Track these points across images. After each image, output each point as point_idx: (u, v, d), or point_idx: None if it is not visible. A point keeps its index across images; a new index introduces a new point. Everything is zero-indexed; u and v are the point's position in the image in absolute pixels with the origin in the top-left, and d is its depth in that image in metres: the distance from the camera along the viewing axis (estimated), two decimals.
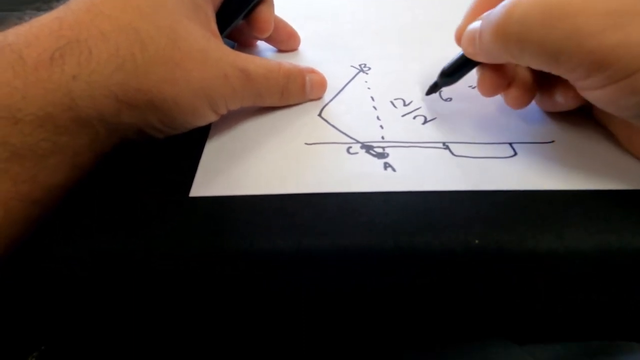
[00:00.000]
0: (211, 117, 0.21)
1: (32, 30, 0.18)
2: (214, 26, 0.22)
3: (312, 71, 0.25)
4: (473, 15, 0.22)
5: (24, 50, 0.17)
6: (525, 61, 0.19)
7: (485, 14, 0.20)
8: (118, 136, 0.20)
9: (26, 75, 0.17)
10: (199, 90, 0.20)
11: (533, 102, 0.24)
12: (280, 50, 0.30)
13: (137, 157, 0.22)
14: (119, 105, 0.18)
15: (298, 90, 0.24)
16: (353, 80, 0.27)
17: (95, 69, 0.18)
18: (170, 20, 0.19)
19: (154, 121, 0.20)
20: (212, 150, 0.22)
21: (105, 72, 0.18)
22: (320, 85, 0.25)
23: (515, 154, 0.21)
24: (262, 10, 0.26)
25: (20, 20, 0.19)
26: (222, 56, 0.21)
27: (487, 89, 0.22)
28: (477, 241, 0.18)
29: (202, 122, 0.21)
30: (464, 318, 0.21)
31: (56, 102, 0.17)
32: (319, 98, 0.25)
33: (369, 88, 0.27)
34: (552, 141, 0.22)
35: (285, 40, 0.29)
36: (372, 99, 0.26)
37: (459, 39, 0.23)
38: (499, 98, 0.25)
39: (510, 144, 0.22)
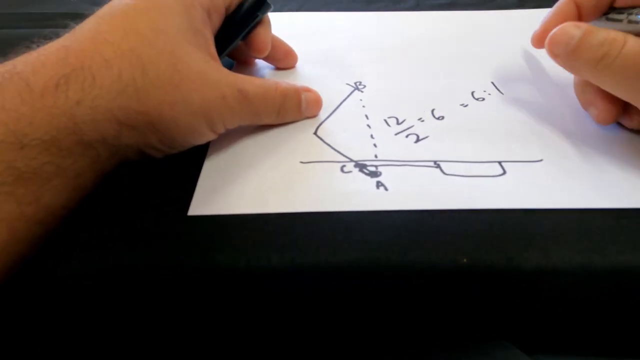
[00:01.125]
0: (209, 136, 0.22)
1: (40, 59, 0.19)
2: (212, 49, 0.23)
3: (308, 90, 0.26)
4: (557, 17, 0.25)
5: (31, 78, 0.18)
6: (614, 91, 0.22)
7: (584, 32, 0.21)
8: (118, 157, 0.20)
9: (33, 102, 0.18)
10: (198, 110, 0.21)
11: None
12: (277, 68, 0.31)
13: (137, 177, 0.22)
14: (120, 127, 0.19)
15: (294, 109, 0.25)
16: (348, 98, 0.28)
17: (98, 94, 0.19)
18: (171, 45, 0.20)
19: (153, 141, 0.20)
20: (210, 169, 0.23)
21: (107, 96, 0.19)
22: (315, 103, 0.26)
23: (505, 172, 0.22)
24: (259, 31, 0.27)
25: (28, 48, 0.19)
26: (221, 78, 0.22)
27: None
28: (465, 260, 0.18)
29: (201, 141, 0.22)
30: (458, 324, 0.22)
31: (61, 127, 0.18)
32: (315, 116, 0.26)
33: (363, 106, 0.27)
34: (541, 160, 0.23)
35: (283, 59, 0.30)
36: (367, 117, 0.26)
37: (540, 39, 0.25)
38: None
39: (500, 162, 0.23)
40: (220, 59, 0.24)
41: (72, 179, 0.19)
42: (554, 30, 0.23)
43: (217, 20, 0.25)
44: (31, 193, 0.17)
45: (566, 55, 0.22)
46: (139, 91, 0.19)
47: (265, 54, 0.28)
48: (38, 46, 0.20)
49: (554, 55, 0.23)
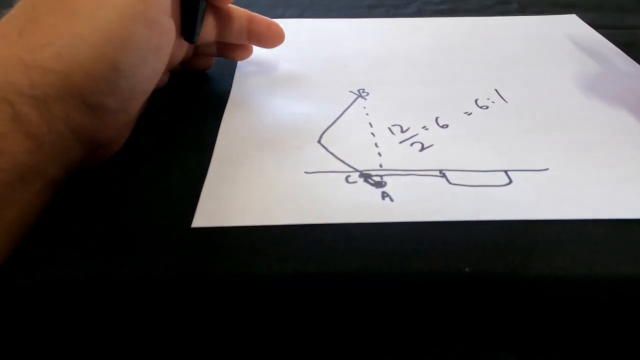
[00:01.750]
0: (155, 17, 0.21)
1: None
2: None
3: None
4: None
5: None
6: None
7: None
8: (58, 121, 0.18)
9: None
10: (106, 2, 0.19)
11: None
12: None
13: (140, 188, 0.22)
14: (30, 72, 0.17)
15: None
16: (352, 106, 0.28)
17: None
18: None
19: (84, 82, 0.18)
20: (213, 180, 0.22)
21: (9, 41, 0.18)
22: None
23: (511, 181, 0.22)
24: None
25: None
26: None
27: None
28: (467, 269, 0.18)
29: (150, 38, 0.20)
30: (460, 334, 0.21)
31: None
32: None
33: (367, 114, 0.27)
34: (547, 169, 0.23)
35: (265, 33, 0.28)
36: (370, 125, 0.26)
37: None
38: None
39: (506, 171, 0.23)
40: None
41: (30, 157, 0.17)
42: None
43: None
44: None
45: None
46: (34, 24, 0.18)
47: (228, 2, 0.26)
48: None
49: None
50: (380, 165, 0.23)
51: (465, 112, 0.27)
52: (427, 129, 0.26)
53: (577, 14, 0.39)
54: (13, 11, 0.19)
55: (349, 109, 0.28)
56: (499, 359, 0.21)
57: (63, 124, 0.18)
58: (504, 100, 0.28)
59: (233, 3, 0.27)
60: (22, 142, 0.17)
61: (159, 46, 0.21)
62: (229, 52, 0.30)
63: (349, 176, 0.22)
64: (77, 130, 0.19)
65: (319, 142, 0.25)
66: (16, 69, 0.17)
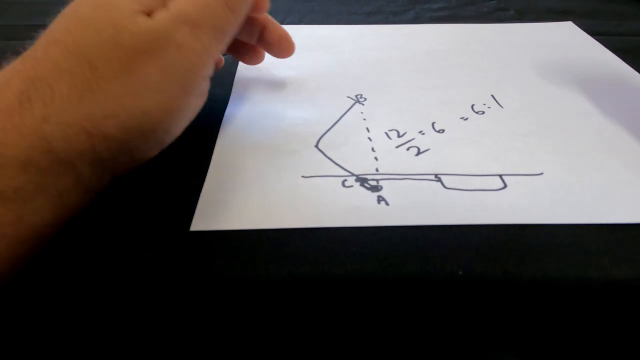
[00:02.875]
0: (203, 87, 0.21)
1: (4, 74, 0.18)
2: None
3: None
4: None
5: None
6: None
7: None
8: (105, 173, 0.19)
9: (3, 123, 0.17)
10: (163, 84, 0.19)
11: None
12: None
13: (139, 192, 0.22)
14: (92, 139, 0.18)
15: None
16: (349, 111, 0.28)
17: (61, 107, 0.17)
18: (110, 11, 0.18)
19: (136, 144, 0.19)
20: (212, 184, 0.23)
21: (70, 107, 0.17)
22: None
23: (505, 186, 0.22)
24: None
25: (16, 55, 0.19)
26: (167, 24, 0.19)
27: None
28: (461, 272, 0.18)
29: (191, 111, 0.21)
30: (455, 336, 0.22)
31: (34, 146, 0.17)
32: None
33: (364, 119, 0.27)
34: (541, 173, 0.23)
35: (277, 43, 0.27)
36: (368, 130, 0.26)
37: None
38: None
39: (500, 176, 0.23)
40: None
41: (56, 198, 0.18)
42: None
43: None
44: (12, 212, 0.16)
45: None
46: (96, 91, 0.17)
47: (264, 11, 0.25)
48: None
49: None
50: (377, 170, 0.23)
51: (462, 117, 0.27)
52: (423, 134, 0.26)
53: (573, 21, 0.40)
54: (63, 61, 0.18)
55: (347, 114, 0.28)
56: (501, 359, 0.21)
57: (109, 173, 0.20)
58: (500, 105, 0.29)
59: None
60: (78, 194, 0.18)
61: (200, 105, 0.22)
62: (239, 52, 0.29)
63: (345, 180, 0.23)
64: (116, 171, 0.20)
65: (316, 146, 0.25)
66: (80, 138, 0.17)
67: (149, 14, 0.19)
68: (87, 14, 0.19)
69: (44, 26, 0.20)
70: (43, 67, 0.18)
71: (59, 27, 0.19)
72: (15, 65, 0.18)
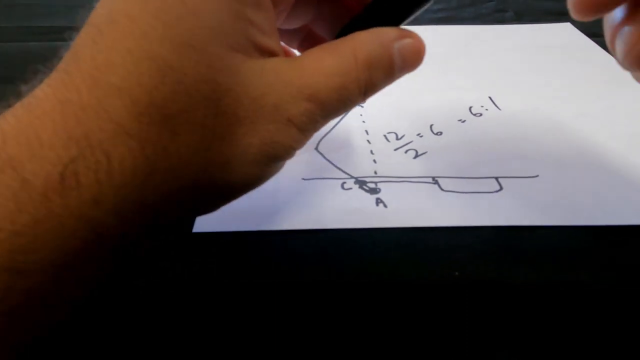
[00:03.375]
0: (273, 174, 0.17)
1: (34, 126, 0.12)
2: (273, 37, 0.15)
3: (403, 35, 0.16)
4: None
5: (27, 166, 0.12)
6: None
7: None
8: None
9: (34, 207, 0.12)
10: (257, 157, 0.15)
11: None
12: None
13: None
14: (151, 213, 0.14)
15: (385, 77, 0.17)
16: (349, 114, 0.29)
17: (120, 183, 0.13)
18: (208, 66, 0.13)
19: (196, 211, 0.16)
20: None
21: (134, 186, 0.13)
22: (415, 52, 0.17)
23: (501, 188, 0.23)
24: None
25: (17, 96, 0.14)
26: (282, 92, 0.15)
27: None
28: (457, 273, 0.19)
29: (261, 183, 0.17)
30: (450, 338, 0.22)
31: (75, 236, 0.12)
32: (413, 69, 0.18)
33: (363, 122, 0.28)
34: (537, 176, 0.23)
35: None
36: (367, 132, 0.27)
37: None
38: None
39: (497, 178, 0.23)
40: None
41: (74, 292, 0.14)
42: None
43: None
44: (19, 321, 0.12)
45: None
46: (174, 165, 0.13)
47: None
48: (27, 90, 0.13)
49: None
50: (375, 172, 0.24)
51: (459, 120, 0.28)
52: (421, 136, 0.26)
53: (571, 23, 0.40)
54: (128, 121, 0.13)
55: (346, 117, 0.28)
56: None
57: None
58: (498, 107, 0.29)
59: None
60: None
61: None
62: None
63: (344, 183, 0.23)
64: None
65: (316, 149, 0.26)
66: (137, 217, 0.14)
67: (263, 53, 0.15)
68: (167, 57, 0.13)
69: (66, 30, 0.14)
70: (97, 127, 0.12)
71: (114, 59, 0.13)
72: (47, 111, 0.12)
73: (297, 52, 0.23)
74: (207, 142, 0.14)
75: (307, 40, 0.21)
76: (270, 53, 0.15)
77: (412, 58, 0.17)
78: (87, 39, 0.13)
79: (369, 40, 0.16)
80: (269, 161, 0.16)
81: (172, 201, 0.14)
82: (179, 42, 0.13)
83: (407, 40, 0.17)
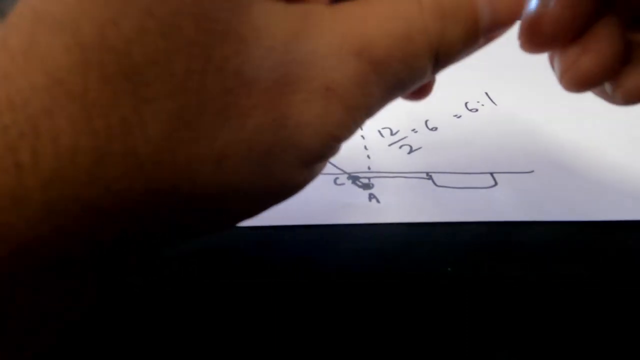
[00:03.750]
0: (308, 179, 0.12)
1: None
2: None
3: None
4: None
5: None
6: None
7: None
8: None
9: None
10: (275, 149, 0.10)
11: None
12: None
13: None
14: (106, 222, 0.10)
15: (466, 34, 0.12)
16: None
17: (53, 170, 0.09)
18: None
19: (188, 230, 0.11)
20: None
21: (74, 173, 0.09)
22: (512, 3, 0.12)
23: (496, 184, 0.22)
24: None
25: None
26: (317, 44, 0.10)
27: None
28: (449, 269, 0.19)
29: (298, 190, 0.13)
30: (444, 335, 0.22)
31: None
32: (510, 27, 0.13)
33: None
34: (532, 171, 0.23)
35: None
36: (361, 128, 0.27)
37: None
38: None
39: (491, 173, 0.23)
40: None
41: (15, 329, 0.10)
42: None
43: None
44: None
45: None
46: (138, 146, 0.09)
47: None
48: None
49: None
50: (369, 168, 0.24)
51: (455, 115, 0.28)
52: (416, 132, 0.26)
53: None
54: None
55: None
56: None
57: None
58: (494, 103, 0.29)
59: None
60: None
61: None
62: None
63: (337, 178, 0.23)
64: None
65: None
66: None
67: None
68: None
69: None
70: (24, 81, 0.09)
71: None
72: None
73: None
74: (191, 115, 0.09)
75: None
76: None
77: (505, 7, 0.12)
78: None
79: None
80: (295, 160, 0.11)
81: (137, 207, 0.09)
82: None
83: None
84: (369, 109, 0.12)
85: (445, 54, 0.12)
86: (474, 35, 0.12)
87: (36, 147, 0.08)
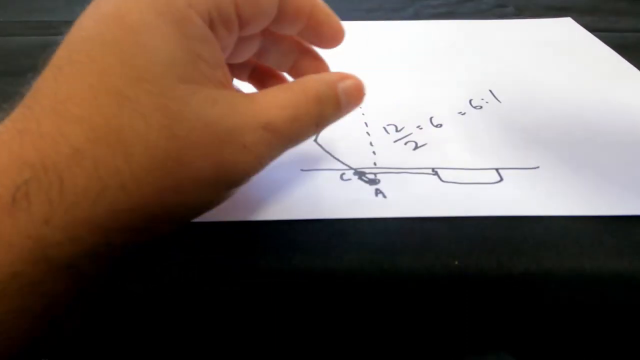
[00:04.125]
0: (229, 196, 0.17)
1: None
2: (221, 70, 0.16)
3: (344, 77, 0.19)
4: None
5: None
6: None
7: None
8: (110, 267, 0.15)
9: None
10: (211, 181, 0.15)
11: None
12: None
13: None
14: (108, 234, 0.14)
15: (334, 112, 0.18)
16: None
17: (72, 203, 0.13)
18: (160, 96, 0.14)
19: (156, 232, 0.16)
20: None
21: (85, 203, 0.13)
22: (356, 91, 0.19)
23: (502, 179, 0.22)
24: None
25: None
26: (237, 119, 0.16)
27: None
28: (456, 262, 0.19)
29: (218, 204, 0.17)
30: (450, 330, 0.22)
31: (23, 258, 0.13)
32: (359, 104, 0.20)
33: (363, 114, 0.28)
34: (537, 167, 0.23)
35: (326, 33, 0.20)
36: (366, 124, 0.27)
37: None
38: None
39: (497, 169, 0.23)
40: None
41: (40, 313, 0.14)
42: None
43: (227, 34, 0.17)
44: None
45: None
46: (126, 183, 0.14)
47: (300, 24, 0.19)
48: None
49: None
50: (375, 164, 0.24)
51: (459, 112, 0.28)
52: (421, 129, 0.26)
53: (572, 17, 0.40)
54: (86, 145, 0.14)
55: None
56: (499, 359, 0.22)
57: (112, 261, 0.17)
58: (498, 100, 0.29)
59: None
60: (73, 296, 0.16)
61: None
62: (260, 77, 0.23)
63: (343, 174, 0.23)
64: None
65: (315, 140, 0.25)
66: (89, 238, 0.14)
67: (215, 85, 0.16)
68: (123, 89, 0.14)
69: (64, 24, 0.15)
70: (53, 151, 0.13)
71: (74, 91, 0.14)
72: (4, 141, 0.14)
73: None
74: (160, 162, 0.14)
75: (256, 72, 0.22)
76: (221, 85, 0.16)
77: (355, 95, 0.19)
78: (49, 78, 0.15)
79: (316, 81, 0.18)
80: (223, 186, 0.16)
81: (123, 221, 0.14)
82: (135, 77, 0.14)
83: (349, 81, 0.19)
84: (271, 158, 0.17)
85: (322, 123, 0.18)
86: (339, 111, 0.19)
87: (61, 188, 0.13)
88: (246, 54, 0.20)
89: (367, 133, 0.26)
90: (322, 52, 0.23)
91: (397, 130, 0.26)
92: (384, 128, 0.26)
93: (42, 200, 0.13)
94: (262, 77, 0.23)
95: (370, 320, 0.21)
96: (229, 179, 0.16)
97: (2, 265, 0.13)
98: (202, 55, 0.15)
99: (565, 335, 0.21)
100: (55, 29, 0.38)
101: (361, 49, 0.35)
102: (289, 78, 0.23)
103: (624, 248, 0.19)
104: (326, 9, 0.20)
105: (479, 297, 0.20)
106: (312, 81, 0.18)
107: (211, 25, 0.16)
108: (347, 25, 0.43)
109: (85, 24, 0.15)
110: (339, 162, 0.24)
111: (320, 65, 0.22)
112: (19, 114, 0.14)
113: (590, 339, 0.21)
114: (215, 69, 0.16)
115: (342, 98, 0.18)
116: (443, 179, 0.22)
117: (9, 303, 0.13)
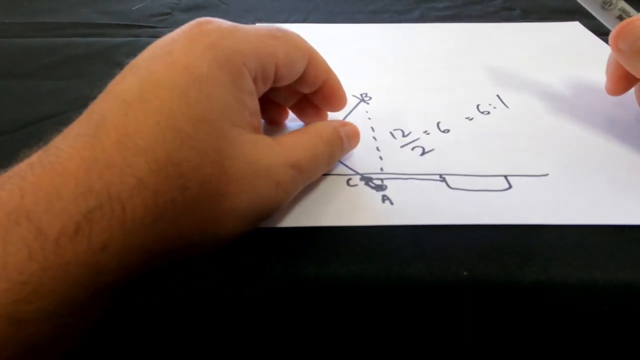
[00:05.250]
0: (253, 228, 0.19)
1: (54, 183, 0.14)
2: (257, 118, 0.19)
3: (343, 124, 0.23)
4: None
5: (43, 218, 0.13)
6: None
7: None
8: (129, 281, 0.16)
9: (45, 256, 0.13)
10: (249, 214, 0.18)
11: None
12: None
13: None
14: (150, 258, 0.15)
15: (339, 151, 0.23)
16: (354, 110, 0.28)
17: (129, 230, 0.14)
18: (216, 137, 0.16)
19: (189, 255, 0.17)
20: None
21: (140, 230, 0.14)
22: (354, 136, 0.24)
23: (510, 187, 0.22)
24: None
25: (43, 143, 0.15)
26: (272, 159, 0.18)
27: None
28: (465, 273, 0.18)
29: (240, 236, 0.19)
30: (459, 338, 0.22)
31: (75, 283, 0.13)
32: (356, 145, 0.24)
33: (369, 118, 0.27)
34: (547, 174, 0.23)
35: (333, 99, 0.24)
36: (372, 129, 0.26)
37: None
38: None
39: (505, 176, 0.23)
40: None
41: (78, 334, 0.15)
42: (623, 22, 0.23)
43: (263, 87, 0.20)
44: None
45: (632, 53, 0.22)
46: (179, 214, 0.15)
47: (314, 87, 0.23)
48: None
49: (618, 49, 0.23)
50: (381, 169, 0.23)
51: (467, 117, 0.27)
52: (428, 134, 0.26)
53: (579, 21, 0.40)
54: (149, 178, 0.15)
55: (352, 113, 0.28)
56: None
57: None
58: (506, 105, 0.29)
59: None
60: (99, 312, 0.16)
61: None
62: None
63: (350, 179, 0.23)
64: None
65: None
66: (137, 260, 0.15)
67: (253, 129, 0.19)
68: (186, 129, 0.16)
69: (69, 26, 0.16)
70: (119, 181, 0.14)
71: (142, 127, 0.15)
72: (70, 169, 0.14)
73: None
74: (210, 195, 0.16)
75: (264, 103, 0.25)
76: (255, 130, 0.19)
77: (353, 138, 0.23)
78: (119, 112, 0.16)
79: (326, 126, 0.22)
80: (254, 217, 0.19)
81: (167, 247, 0.16)
82: (197, 119, 0.16)
83: (347, 127, 0.23)
84: (295, 193, 0.20)
85: (332, 162, 0.22)
86: (342, 151, 0.23)
87: (122, 216, 0.14)
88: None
89: (374, 138, 0.26)
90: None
91: (404, 135, 0.26)
92: (391, 133, 0.26)
93: (104, 227, 0.14)
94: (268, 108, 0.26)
95: (377, 329, 0.21)
96: (262, 212, 0.19)
97: (54, 297, 0.13)
98: (247, 105, 0.18)
99: (576, 346, 0.21)
100: (60, 30, 0.38)
101: (366, 52, 0.35)
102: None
103: (636, 258, 0.19)
104: (337, 80, 0.24)
105: (488, 307, 0.19)
106: (322, 127, 0.22)
107: (254, 80, 0.19)
108: (352, 28, 0.43)
109: (155, 68, 0.17)
110: (345, 167, 0.23)
111: (319, 111, 0.25)
112: (84, 142, 0.15)
113: (601, 350, 0.21)
114: (254, 116, 0.19)
115: (345, 141, 0.23)
116: (451, 185, 0.22)
117: (60, 326, 0.13)
